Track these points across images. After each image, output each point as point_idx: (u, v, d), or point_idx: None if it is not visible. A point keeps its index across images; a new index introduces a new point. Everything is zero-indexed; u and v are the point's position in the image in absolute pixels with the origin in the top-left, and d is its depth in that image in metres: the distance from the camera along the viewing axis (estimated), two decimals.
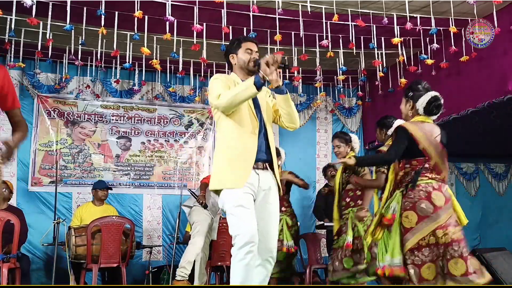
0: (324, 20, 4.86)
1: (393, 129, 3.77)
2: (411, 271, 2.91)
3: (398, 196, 3.09)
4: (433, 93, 3.23)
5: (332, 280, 4.14)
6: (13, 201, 5.62)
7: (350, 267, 4.02)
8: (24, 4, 4.14)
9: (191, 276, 5.07)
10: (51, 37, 4.82)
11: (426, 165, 3.17)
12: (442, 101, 3.25)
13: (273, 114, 2.79)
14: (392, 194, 3.17)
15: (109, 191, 5.81)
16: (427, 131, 3.21)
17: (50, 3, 4.55)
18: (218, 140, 2.74)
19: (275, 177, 2.68)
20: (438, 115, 3.30)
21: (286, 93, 2.64)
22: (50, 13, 4.54)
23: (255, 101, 2.67)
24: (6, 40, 5.20)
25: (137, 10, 4.44)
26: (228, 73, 2.89)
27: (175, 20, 4.59)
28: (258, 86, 2.45)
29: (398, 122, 3.86)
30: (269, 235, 2.55)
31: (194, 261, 4.98)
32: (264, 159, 2.63)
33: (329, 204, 5.21)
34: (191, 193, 5.38)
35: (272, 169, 2.67)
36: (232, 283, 2.42)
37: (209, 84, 2.73)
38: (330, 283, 4.23)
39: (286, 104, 2.66)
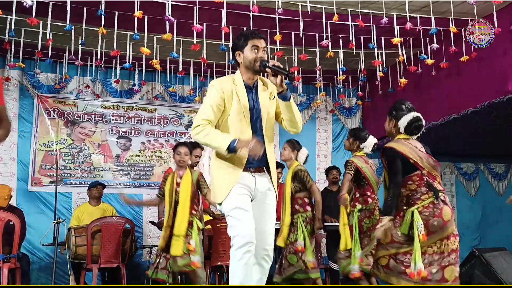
0: (324, 20, 4.86)
1: (368, 144, 4.32)
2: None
3: (416, 214, 3.20)
4: (415, 114, 3.38)
5: (285, 277, 4.50)
6: (13, 201, 5.62)
7: (295, 263, 4.43)
8: (24, 4, 4.14)
9: None
10: (51, 37, 4.82)
11: (426, 178, 3.28)
12: (423, 122, 3.37)
13: (277, 115, 2.74)
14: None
15: (108, 190, 5.82)
16: (411, 145, 3.35)
17: (50, 3, 4.56)
18: None
19: (272, 182, 2.66)
20: (418, 135, 3.43)
21: (289, 100, 2.59)
22: (50, 13, 4.54)
23: (255, 110, 2.62)
24: (6, 40, 5.20)
25: (137, 10, 4.44)
26: (227, 73, 2.86)
27: (175, 20, 4.59)
28: (229, 152, 2.45)
29: (372, 139, 4.35)
30: (265, 235, 2.56)
31: None
32: (259, 166, 2.62)
33: (330, 204, 5.26)
34: (153, 224, 5.56)
35: (269, 174, 2.66)
36: (231, 283, 2.43)
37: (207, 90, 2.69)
38: (283, 281, 4.53)
39: (287, 110, 2.62)
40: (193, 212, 4.22)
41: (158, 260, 4.34)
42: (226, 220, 2.55)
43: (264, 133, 2.63)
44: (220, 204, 2.59)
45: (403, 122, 3.37)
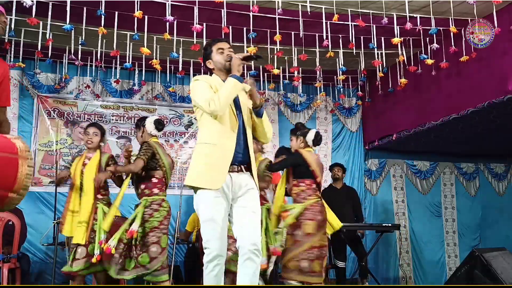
0: (324, 20, 4.86)
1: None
2: (306, 264, 4.14)
3: (298, 206, 4.28)
4: (315, 130, 4.53)
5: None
6: None
7: None
8: (24, 4, 4.13)
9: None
10: (51, 37, 4.82)
11: (314, 186, 4.35)
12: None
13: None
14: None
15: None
16: (315, 157, 4.44)
17: (50, 3, 4.56)
18: (199, 135, 2.75)
19: (253, 178, 2.71)
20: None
21: (262, 116, 2.73)
22: (50, 13, 4.54)
23: (236, 102, 2.69)
24: (6, 40, 5.20)
25: (137, 10, 4.44)
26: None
27: (175, 20, 4.59)
28: (240, 81, 2.61)
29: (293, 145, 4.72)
30: (252, 231, 2.60)
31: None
32: (240, 160, 2.66)
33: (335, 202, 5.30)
34: None
35: (250, 171, 2.71)
36: None
37: (191, 86, 2.73)
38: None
39: (259, 125, 2.77)
40: (99, 197, 4.28)
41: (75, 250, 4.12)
42: (200, 226, 2.64)
43: (246, 127, 2.71)
44: (193, 188, 2.63)
45: (310, 137, 4.41)
